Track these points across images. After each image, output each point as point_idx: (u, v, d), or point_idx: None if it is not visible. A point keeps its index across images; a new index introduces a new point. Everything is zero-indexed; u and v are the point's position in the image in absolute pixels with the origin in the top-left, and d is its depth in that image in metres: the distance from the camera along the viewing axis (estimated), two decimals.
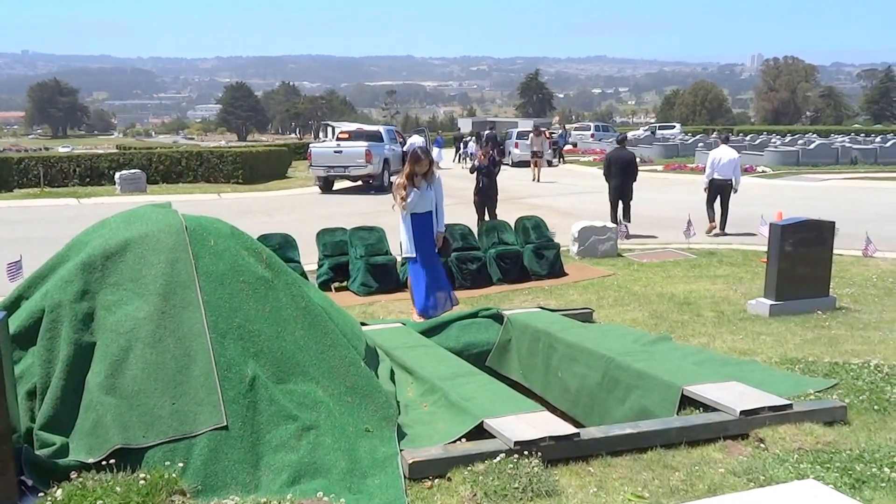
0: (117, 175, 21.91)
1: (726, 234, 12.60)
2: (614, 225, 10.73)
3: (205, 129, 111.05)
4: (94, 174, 24.40)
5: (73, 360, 3.69)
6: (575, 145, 42.85)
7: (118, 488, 3.00)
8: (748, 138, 40.86)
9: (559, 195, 20.02)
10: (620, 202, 12.88)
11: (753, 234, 12.30)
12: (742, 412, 4.13)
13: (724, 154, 12.75)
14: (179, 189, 22.54)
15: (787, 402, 4.30)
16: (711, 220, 12.88)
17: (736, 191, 12.91)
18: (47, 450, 3.43)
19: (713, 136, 41.38)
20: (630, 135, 39.88)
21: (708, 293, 8.03)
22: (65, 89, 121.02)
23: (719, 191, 12.78)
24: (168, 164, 25.20)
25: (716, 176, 12.73)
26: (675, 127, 55.25)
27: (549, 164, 32.46)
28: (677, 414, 4.34)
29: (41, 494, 3.08)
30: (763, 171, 26.01)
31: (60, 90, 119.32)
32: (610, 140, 39.27)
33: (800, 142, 35.16)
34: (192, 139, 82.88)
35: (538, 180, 24.11)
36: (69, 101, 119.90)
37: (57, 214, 16.80)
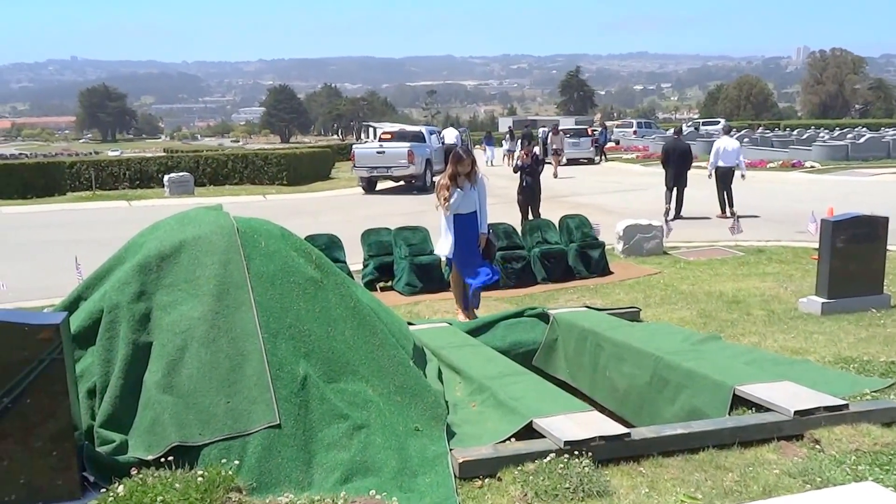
0: (166, 178, 22.43)
1: (731, 217, 13.32)
2: (660, 224, 10.59)
3: (249, 132, 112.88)
4: (143, 177, 25.02)
5: (131, 360, 3.79)
6: (617, 142, 42.40)
7: (177, 485, 3.08)
8: (795, 133, 39.89)
9: (603, 193, 19.84)
10: (676, 188, 14.09)
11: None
12: (796, 412, 4.05)
13: (727, 144, 14.35)
14: (225, 191, 22.96)
15: (843, 402, 4.20)
16: (723, 209, 14.13)
17: (743, 177, 14.47)
18: (107, 447, 3.53)
19: (759, 130, 40.51)
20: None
21: (757, 291, 7.88)
22: (113, 94, 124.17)
23: (724, 177, 14.23)
24: (215, 166, 25.71)
25: (720, 164, 14.22)
26: (719, 122, 54.23)
27: (592, 162, 32.23)
28: (729, 414, 4.27)
29: (103, 490, 3.18)
30: (811, 167, 25.37)
31: (109, 95, 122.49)
32: (653, 137, 38.78)
33: (849, 136, 34.20)
34: (237, 142, 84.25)
35: (556, 176, 25.37)
36: (118, 106, 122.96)
37: (108, 217, 17.25)
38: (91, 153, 52.77)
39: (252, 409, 3.63)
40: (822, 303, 6.84)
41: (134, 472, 3.27)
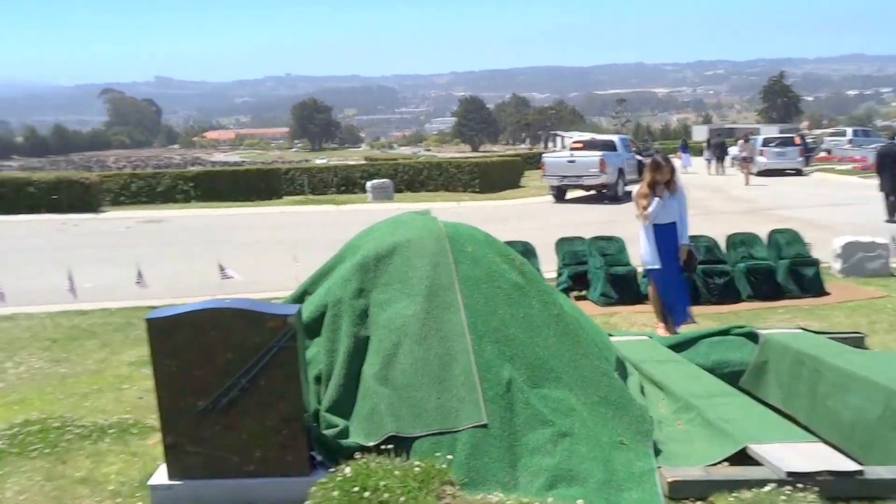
0: (368, 184, 23.83)
1: None
2: (885, 241, 9.55)
3: (440, 141, 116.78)
4: (348, 183, 26.86)
5: (352, 352, 4.08)
6: (829, 152, 38.86)
7: (397, 472, 3.26)
8: None
9: (811, 206, 18.29)
10: (893, 195, 13.87)
11: None
12: None
13: None
14: (421, 197, 23.93)
15: None
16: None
17: None
18: (331, 430, 3.82)
19: None
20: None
21: None
22: (321, 107, 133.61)
23: None
24: (411, 173, 27.02)
25: None
26: None
27: (799, 172, 29.82)
28: None
29: (331, 470, 3.44)
30: None
31: (317, 108, 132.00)
32: (872, 146, 35.09)
33: None
34: (430, 150, 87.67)
35: (748, 184, 24.98)
36: (325, 118, 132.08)
37: (320, 219, 18.65)
38: (302, 161, 57.32)
39: (460, 407, 3.76)
40: None
41: (358, 455, 3.50)
